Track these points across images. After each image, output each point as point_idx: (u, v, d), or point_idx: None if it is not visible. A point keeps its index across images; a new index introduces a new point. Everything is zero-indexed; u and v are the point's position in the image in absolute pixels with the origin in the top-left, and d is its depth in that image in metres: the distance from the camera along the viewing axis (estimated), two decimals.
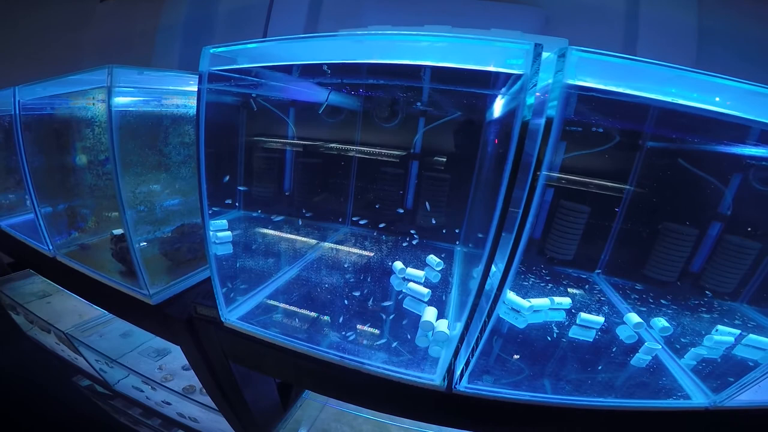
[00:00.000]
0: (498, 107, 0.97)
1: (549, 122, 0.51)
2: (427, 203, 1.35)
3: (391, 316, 0.94)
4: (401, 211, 1.41)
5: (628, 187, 1.13)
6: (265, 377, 1.15)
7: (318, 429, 1.39)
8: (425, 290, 1.00)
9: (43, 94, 1.25)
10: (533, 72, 0.53)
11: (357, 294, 1.02)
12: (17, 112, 1.26)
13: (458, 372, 0.71)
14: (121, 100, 0.90)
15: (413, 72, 1.11)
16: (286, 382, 1.31)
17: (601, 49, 0.52)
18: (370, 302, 0.99)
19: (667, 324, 0.94)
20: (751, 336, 0.90)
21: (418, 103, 1.30)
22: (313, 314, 0.93)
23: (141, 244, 1.00)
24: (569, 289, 1.14)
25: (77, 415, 1.92)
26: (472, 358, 0.69)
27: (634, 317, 0.95)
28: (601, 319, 0.95)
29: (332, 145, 1.42)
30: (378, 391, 0.78)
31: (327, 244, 1.36)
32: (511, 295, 0.99)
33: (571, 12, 1.53)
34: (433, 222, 1.36)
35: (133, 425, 1.76)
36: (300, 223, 1.49)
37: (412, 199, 1.41)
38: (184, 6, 2.13)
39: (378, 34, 0.81)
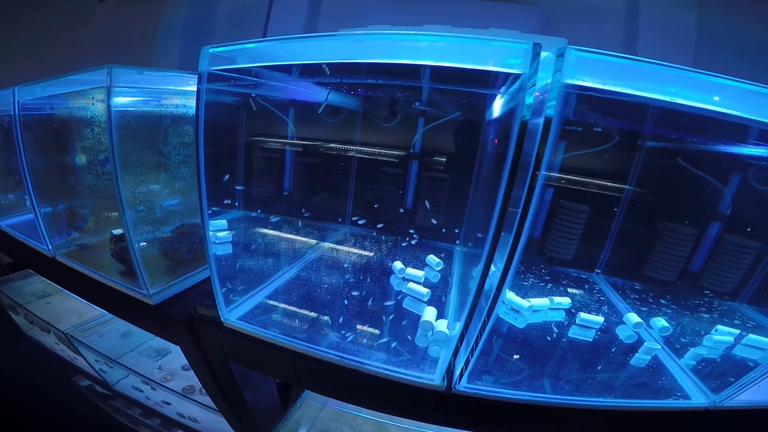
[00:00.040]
0: (497, 107, 0.97)
1: (548, 122, 0.51)
2: (426, 202, 1.35)
3: (391, 316, 0.94)
4: (402, 210, 1.41)
5: (627, 186, 1.13)
6: (264, 377, 1.15)
7: (318, 429, 1.39)
8: (425, 290, 1.00)
9: (43, 94, 1.25)
10: (532, 71, 0.53)
11: (356, 294, 1.02)
12: (17, 112, 1.25)
13: (458, 372, 0.71)
14: (120, 100, 0.90)
15: (413, 72, 1.11)
16: (286, 382, 1.31)
17: (601, 49, 0.52)
18: (370, 302, 0.99)
19: (666, 324, 0.94)
20: (751, 336, 0.90)
21: (417, 103, 1.30)
22: (312, 314, 0.93)
23: (141, 244, 1.00)
24: (569, 289, 1.13)
25: (77, 415, 1.92)
26: (471, 357, 0.69)
27: (633, 317, 0.95)
28: (600, 318, 0.95)
29: (332, 145, 1.42)
30: (378, 391, 0.78)
31: (327, 244, 1.36)
32: (510, 295, 0.99)
33: (571, 12, 1.53)
34: (434, 222, 1.36)
35: (133, 425, 1.76)
36: (300, 224, 1.49)
37: (412, 199, 1.41)
38: (184, 6, 2.13)
39: (377, 34, 0.80)
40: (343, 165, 1.41)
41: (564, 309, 1.01)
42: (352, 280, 1.10)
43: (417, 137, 1.35)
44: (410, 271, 1.11)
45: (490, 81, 0.95)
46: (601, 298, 1.10)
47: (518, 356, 0.82)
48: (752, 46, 1.34)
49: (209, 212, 0.82)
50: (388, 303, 0.99)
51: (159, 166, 1.17)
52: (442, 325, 0.83)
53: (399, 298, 1.01)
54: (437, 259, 1.19)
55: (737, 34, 1.37)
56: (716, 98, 0.69)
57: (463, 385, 0.71)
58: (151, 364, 1.65)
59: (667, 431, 0.74)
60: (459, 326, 0.69)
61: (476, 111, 1.19)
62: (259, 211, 1.51)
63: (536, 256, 1.28)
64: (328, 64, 0.99)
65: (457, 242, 1.35)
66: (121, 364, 1.58)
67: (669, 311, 1.04)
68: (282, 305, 0.97)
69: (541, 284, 1.14)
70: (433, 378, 0.72)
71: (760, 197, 1.01)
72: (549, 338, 0.90)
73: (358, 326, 0.88)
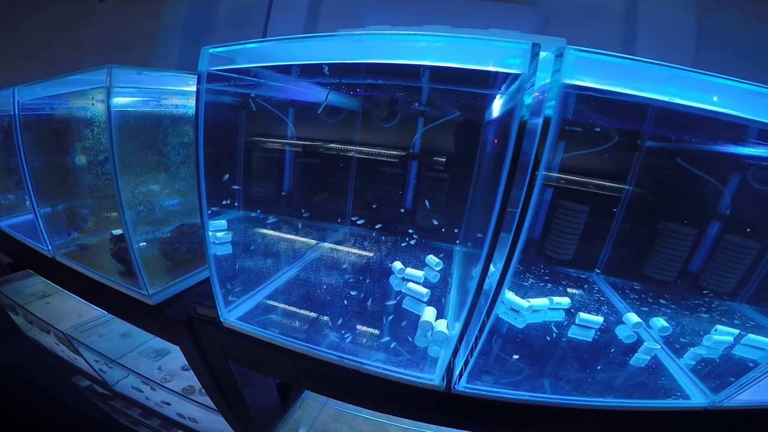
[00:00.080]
0: (497, 107, 0.97)
1: (547, 122, 0.51)
2: (426, 201, 1.35)
3: (391, 316, 0.94)
4: (402, 210, 1.41)
5: (627, 186, 1.13)
6: (264, 377, 1.15)
7: (317, 429, 1.39)
8: (424, 290, 1.00)
9: (43, 94, 1.25)
10: (531, 72, 0.53)
11: (356, 294, 1.02)
12: (16, 112, 1.26)
13: (457, 372, 0.71)
14: (120, 101, 0.90)
15: (412, 72, 1.11)
16: (286, 383, 1.30)
17: (600, 49, 0.52)
18: (369, 302, 0.99)
19: (666, 324, 0.94)
20: (750, 336, 0.90)
21: (417, 103, 1.30)
22: (312, 314, 0.93)
23: (140, 245, 1.00)
24: (568, 289, 1.13)
25: (77, 416, 1.92)
26: (471, 358, 0.69)
27: (633, 317, 0.95)
28: (600, 318, 0.95)
29: (331, 145, 1.42)
30: (377, 391, 0.78)
31: (326, 245, 1.36)
32: (510, 295, 0.99)
33: (570, 12, 1.53)
34: (435, 223, 1.36)
35: (133, 425, 1.76)
36: (299, 224, 1.49)
37: (412, 199, 1.41)
38: (184, 6, 2.13)
39: (377, 34, 0.81)
40: (343, 165, 1.41)
41: (563, 309, 1.01)
42: (351, 280, 1.10)
43: (417, 137, 1.35)
44: (410, 271, 1.11)
45: (490, 81, 0.95)
46: (601, 298, 1.10)
47: (518, 356, 0.82)
48: (752, 46, 1.34)
49: (209, 212, 0.82)
50: (387, 303, 0.99)
51: (159, 166, 1.17)
52: (441, 325, 0.83)
53: (398, 298, 1.01)
54: (437, 259, 1.19)
55: (737, 34, 1.37)
56: (715, 98, 0.69)
57: (462, 385, 0.71)
58: (151, 364, 1.65)
59: (667, 431, 0.74)
60: (458, 326, 0.69)
61: (476, 111, 1.20)
62: (258, 211, 1.51)
63: (536, 256, 1.28)
64: (327, 65, 0.99)
65: (457, 242, 1.35)
66: (120, 365, 1.58)
67: (668, 311, 1.04)
68: (281, 305, 0.97)
69: (541, 284, 1.14)
70: (433, 378, 0.72)
71: (760, 197, 1.01)
72: (548, 338, 0.90)
73: (358, 326, 0.88)
